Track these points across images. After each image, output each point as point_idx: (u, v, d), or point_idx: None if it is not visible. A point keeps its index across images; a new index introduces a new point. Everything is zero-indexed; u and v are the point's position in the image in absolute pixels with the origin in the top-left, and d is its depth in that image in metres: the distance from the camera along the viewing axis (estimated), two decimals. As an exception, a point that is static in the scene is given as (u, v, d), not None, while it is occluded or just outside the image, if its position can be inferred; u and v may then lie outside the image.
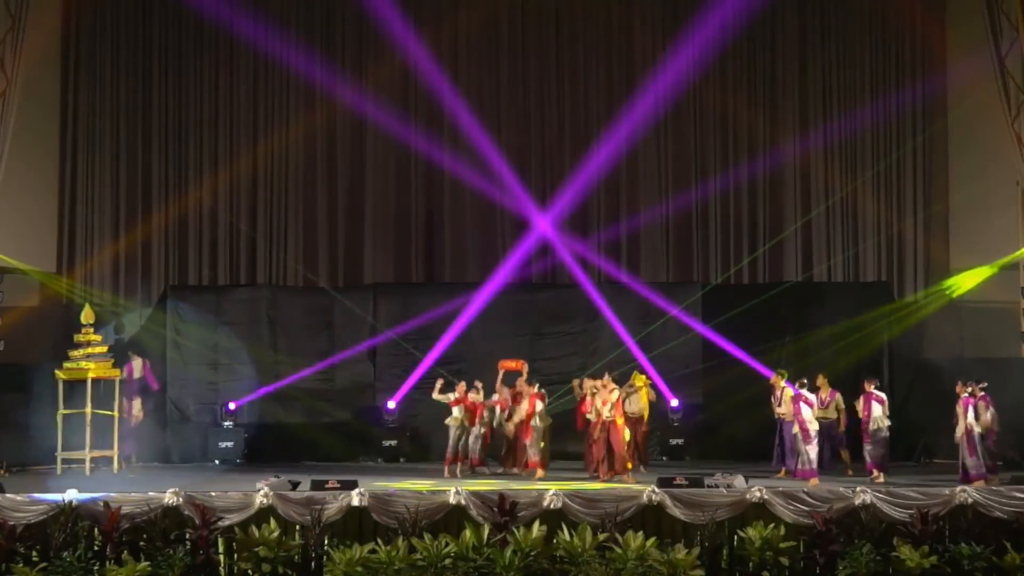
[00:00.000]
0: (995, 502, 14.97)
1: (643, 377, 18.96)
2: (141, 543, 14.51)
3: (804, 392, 17.70)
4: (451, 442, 18.56)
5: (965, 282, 21.25)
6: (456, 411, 18.61)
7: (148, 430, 19.99)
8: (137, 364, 19.88)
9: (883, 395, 18.07)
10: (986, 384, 17.37)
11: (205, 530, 14.53)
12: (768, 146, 22.63)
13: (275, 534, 14.54)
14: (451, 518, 14.83)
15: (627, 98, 22.41)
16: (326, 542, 14.69)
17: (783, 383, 18.29)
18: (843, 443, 18.65)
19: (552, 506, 14.81)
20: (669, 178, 22.76)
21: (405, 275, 22.54)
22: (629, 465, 17.70)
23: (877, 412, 17.79)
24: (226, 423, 20.52)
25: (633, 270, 22.44)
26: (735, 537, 14.84)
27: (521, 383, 18.87)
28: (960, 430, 17.04)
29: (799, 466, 17.37)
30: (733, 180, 22.66)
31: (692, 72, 22.52)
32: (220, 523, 14.66)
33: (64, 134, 22.22)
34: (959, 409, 17.14)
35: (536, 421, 18.37)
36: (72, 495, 14.67)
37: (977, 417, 17.04)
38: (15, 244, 20.28)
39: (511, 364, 19.19)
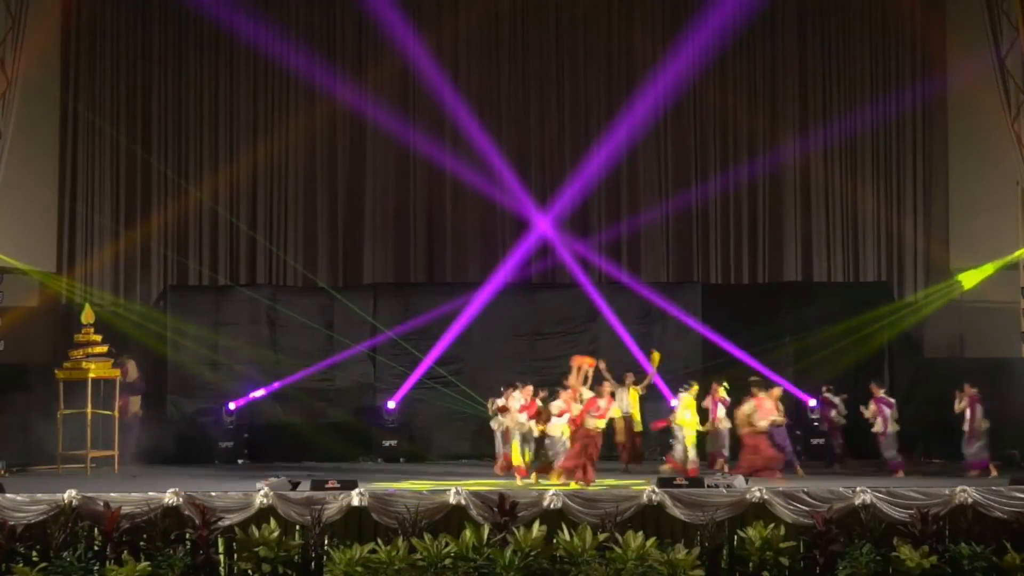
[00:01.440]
0: (995, 502, 14.96)
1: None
2: (141, 543, 14.49)
3: (723, 395, 18.70)
4: (518, 449, 17.67)
5: (973, 277, 21.22)
6: (522, 417, 17.67)
7: (147, 430, 20.07)
8: (132, 366, 19.97)
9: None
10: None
11: (205, 530, 14.52)
12: (768, 146, 22.65)
13: (275, 534, 14.54)
14: (451, 518, 14.82)
15: (627, 98, 22.44)
16: (326, 542, 14.69)
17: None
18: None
19: (552, 506, 14.80)
20: (669, 178, 22.77)
21: (405, 275, 22.54)
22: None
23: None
24: (226, 423, 20.51)
25: (633, 270, 22.44)
26: (735, 537, 14.83)
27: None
28: (879, 427, 18.49)
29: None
30: (733, 180, 22.67)
31: (692, 72, 22.55)
32: (220, 523, 14.65)
33: (64, 134, 22.21)
34: (872, 408, 18.64)
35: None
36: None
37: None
38: (15, 244, 20.26)
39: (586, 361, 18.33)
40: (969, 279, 21.22)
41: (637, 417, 19.10)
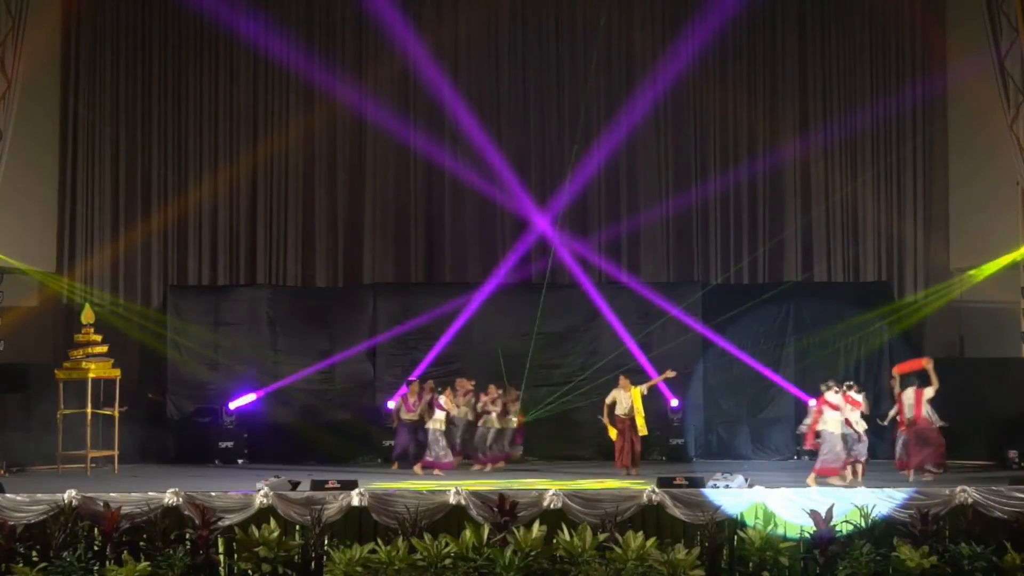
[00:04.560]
0: (995, 502, 14.94)
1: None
2: (141, 543, 14.49)
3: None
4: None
5: (981, 273, 21.18)
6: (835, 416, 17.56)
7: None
8: None
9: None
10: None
11: (205, 530, 14.52)
12: (768, 146, 22.64)
13: (275, 534, 14.53)
14: (451, 518, 14.81)
15: (627, 98, 22.47)
16: (326, 542, 14.68)
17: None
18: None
19: (552, 506, 14.80)
20: (669, 178, 22.77)
21: (405, 275, 22.55)
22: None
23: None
24: (226, 423, 20.52)
25: (633, 270, 22.45)
26: (735, 537, 14.83)
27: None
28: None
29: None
30: (733, 180, 22.66)
31: (692, 72, 22.56)
32: (220, 523, 14.65)
33: (64, 134, 22.25)
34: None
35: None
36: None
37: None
38: (15, 244, 20.29)
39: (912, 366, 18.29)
40: (977, 276, 21.18)
41: (640, 421, 18.76)
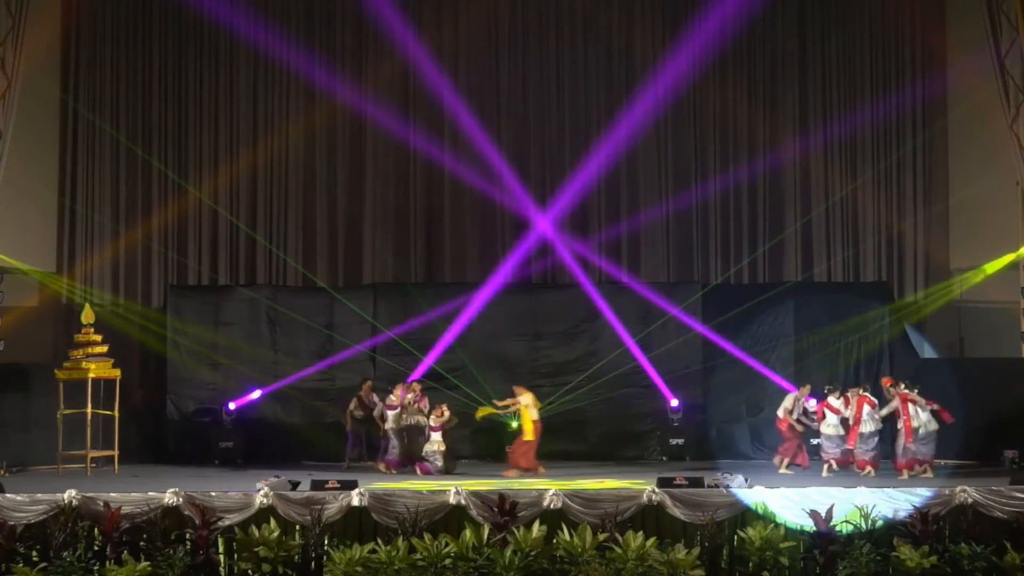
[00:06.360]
0: (995, 502, 14.96)
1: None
2: (141, 543, 14.52)
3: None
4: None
5: (978, 274, 21.19)
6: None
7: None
8: None
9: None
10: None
11: (205, 530, 14.54)
12: (768, 146, 22.61)
13: (275, 534, 14.55)
14: (451, 518, 14.84)
15: (627, 98, 22.45)
16: (326, 542, 14.71)
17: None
18: None
19: (552, 506, 14.82)
20: (669, 178, 22.74)
21: (405, 275, 22.53)
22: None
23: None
24: (226, 423, 20.51)
25: (633, 270, 22.42)
26: (735, 537, 14.84)
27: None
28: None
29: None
30: (733, 180, 22.63)
31: (692, 72, 22.52)
32: (220, 523, 14.67)
33: (64, 134, 22.23)
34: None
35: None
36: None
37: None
38: (15, 244, 20.29)
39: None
40: (977, 276, 21.19)
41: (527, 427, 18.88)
